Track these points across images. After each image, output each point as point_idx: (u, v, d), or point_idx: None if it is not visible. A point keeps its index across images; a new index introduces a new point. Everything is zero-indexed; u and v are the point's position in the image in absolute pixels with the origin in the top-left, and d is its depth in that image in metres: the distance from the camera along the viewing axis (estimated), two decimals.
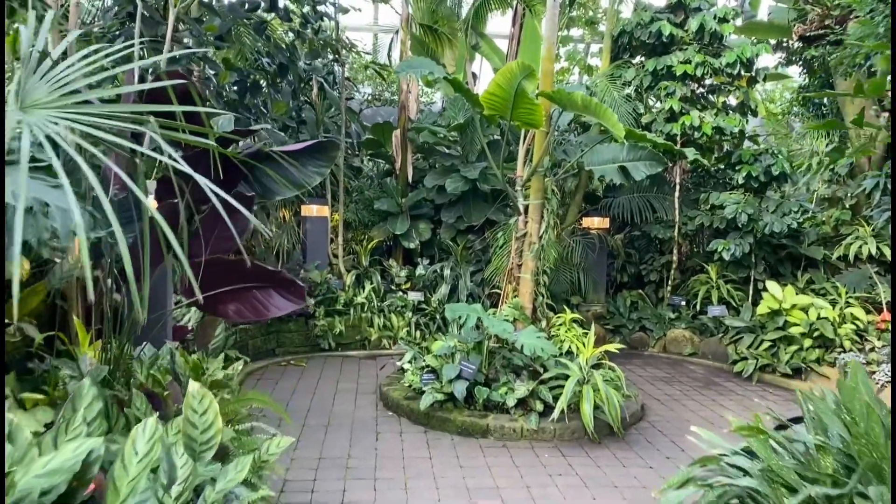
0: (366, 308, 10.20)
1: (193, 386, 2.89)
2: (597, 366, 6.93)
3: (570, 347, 7.45)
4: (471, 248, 10.87)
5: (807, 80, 12.23)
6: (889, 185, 8.95)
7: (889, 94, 7.86)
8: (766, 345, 9.37)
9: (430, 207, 11.24)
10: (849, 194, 10.80)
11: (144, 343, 4.45)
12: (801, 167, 11.11)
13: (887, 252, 9.27)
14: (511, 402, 6.59)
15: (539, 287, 7.97)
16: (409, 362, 7.77)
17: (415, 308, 10.42)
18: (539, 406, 6.62)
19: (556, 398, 6.61)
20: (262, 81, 9.31)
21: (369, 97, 16.95)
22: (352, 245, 11.13)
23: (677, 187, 10.95)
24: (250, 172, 4.34)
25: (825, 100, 12.21)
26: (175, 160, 2.58)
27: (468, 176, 9.98)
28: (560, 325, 7.68)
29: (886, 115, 9.89)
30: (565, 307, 9.94)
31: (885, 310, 9.32)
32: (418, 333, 10.23)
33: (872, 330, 9.15)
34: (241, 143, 4.58)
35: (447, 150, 10.89)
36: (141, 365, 4.02)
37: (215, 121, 5.04)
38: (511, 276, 8.02)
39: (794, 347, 9.16)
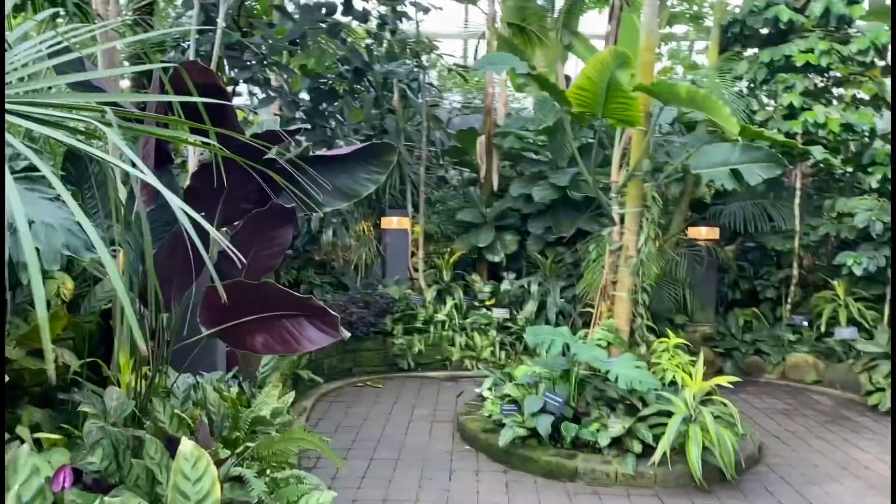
0: (447, 326, 9.54)
1: (186, 446, 2.29)
2: (706, 399, 5.96)
3: (673, 378, 6.49)
4: (560, 261, 10.02)
5: None
6: None
7: None
8: None
9: (516, 218, 10.47)
10: None
11: (178, 374, 3.95)
12: None
13: None
14: (604, 441, 5.73)
15: (637, 307, 7.06)
16: (490, 389, 7.04)
17: (499, 326, 9.68)
18: (637, 447, 5.73)
19: (656, 438, 5.71)
20: (339, 88, 8.88)
21: (459, 105, 16.40)
22: (433, 259, 10.52)
23: (797, 193, 9.69)
24: (292, 181, 3.76)
25: None
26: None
27: (557, 183, 9.16)
28: (662, 351, 6.74)
29: None
30: (668, 329, 8.95)
31: None
32: (503, 354, 9.47)
33: None
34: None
35: (535, 156, 10.12)
36: (165, 402, 3.49)
37: (260, 123, 4.50)
38: (605, 293, 7.15)
39: None
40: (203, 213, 3.59)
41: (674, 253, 9.48)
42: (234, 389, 4.00)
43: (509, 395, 6.36)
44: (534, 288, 9.64)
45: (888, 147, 9.24)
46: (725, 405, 6.12)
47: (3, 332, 2.96)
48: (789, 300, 9.96)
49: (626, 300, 6.90)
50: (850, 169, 10.14)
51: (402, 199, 10.28)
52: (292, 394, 5.00)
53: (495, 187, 10.46)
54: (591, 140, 9.98)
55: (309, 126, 7.75)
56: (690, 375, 6.49)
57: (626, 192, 7.08)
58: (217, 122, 3.62)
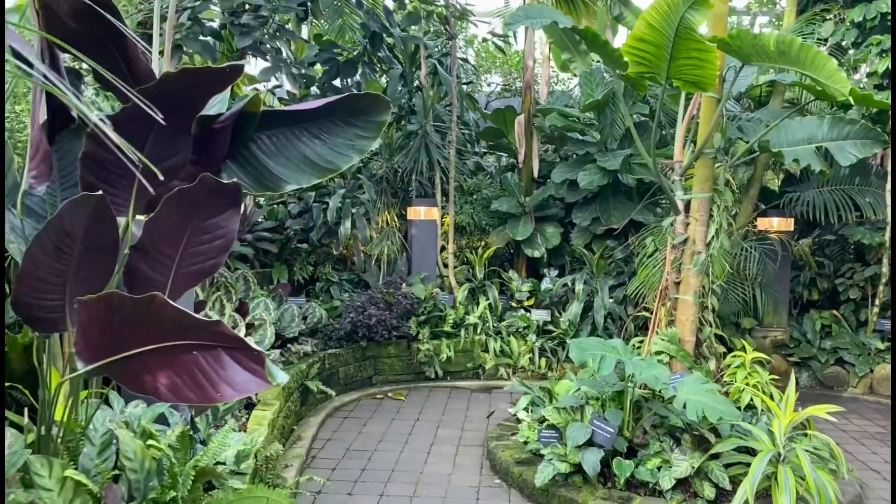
0: (479, 329, 8.45)
1: None
2: (795, 431, 4.75)
3: (751, 401, 5.29)
4: (610, 256, 8.82)
5: None
6: None
7: None
8: None
9: (559, 207, 9.29)
10: None
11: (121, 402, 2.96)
12: None
13: None
14: (667, 482, 4.58)
15: (705, 312, 5.86)
16: (526, 409, 5.94)
17: (539, 330, 8.54)
18: (709, 491, 4.56)
19: (734, 481, 4.54)
20: (359, 61, 7.83)
21: (498, 88, 15.24)
22: (465, 253, 9.42)
23: (889, 177, 8.28)
24: (240, 148, 2.72)
25: None
26: None
27: (607, 167, 7.96)
28: (737, 367, 5.53)
29: None
30: (734, 336, 7.70)
31: None
32: (543, 362, 8.34)
33: None
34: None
35: (581, 137, 8.91)
36: (63, 455, 2.49)
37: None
38: (665, 296, 5.97)
39: None
40: (113, 192, 2.56)
41: (742, 246, 8.19)
42: (179, 428, 2.98)
43: (548, 420, 5.24)
44: (579, 287, 8.46)
45: None
46: (818, 438, 4.91)
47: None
48: (877, 302, 8.57)
49: (692, 304, 5.72)
50: None
51: (430, 186, 9.19)
52: (276, 445, 3.97)
53: (535, 173, 9.28)
54: (646, 118, 8.74)
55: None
56: (771, 397, 5.29)
57: (692, 175, 5.89)
58: (114, 62, 2.59)
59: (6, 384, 3.20)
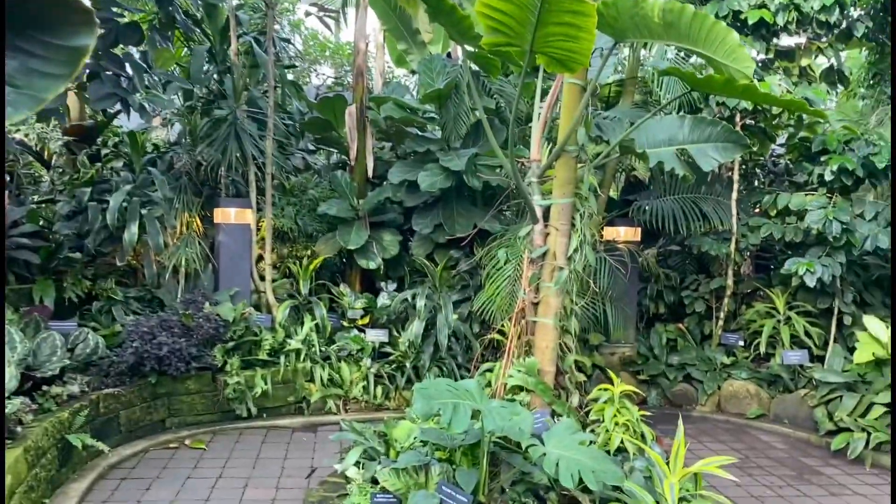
0: (303, 355, 7.15)
1: None
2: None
3: (622, 445, 4.47)
4: (454, 267, 7.86)
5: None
6: None
7: None
8: (878, 411, 6.47)
9: (397, 212, 8.19)
10: None
11: None
12: None
13: None
14: None
15: (566, 337, 5.00)
16: (357, 465, 4.74)
17: (375, 353, 7.39)
18: None
19: None
20: (144, 24, 6.25)
21: (329, 80, 13.93)
22: (288, 264, 8.04)
23: (735, 185, 8.04)
24: None
25: None
26: None
27: (451, 167, 6.98)
28: (605, 402, 4.69)
29: None
30: (582, 356, 7.00)
31: None
32: (379, 390, 7.20)
33: None
34: None
35: (421, 133, 7.88)
36: None
37: None
38: (521, 318, 5.04)
39: None
40: None
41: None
42: None
43: (383, 488, 4.08)
44: (420, 303, 7.40)
45: (842, 131, 7.74)
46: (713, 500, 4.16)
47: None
48: (721, 315, 8.32)
49: (552, 329, 4.83)
50: (789, 158, 8.68)
51: (244, 184, 7.73)
52: None
53: (370, 172, 8.12)
54: (491, 114, 7.87)
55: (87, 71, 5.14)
56: (643, 436, 4.52)
57: (551, 177, 5.02)
58: None
59: None
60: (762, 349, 7.86)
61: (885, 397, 6.43)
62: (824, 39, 7.44)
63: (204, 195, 7.49)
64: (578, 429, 3.95)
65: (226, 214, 7.24)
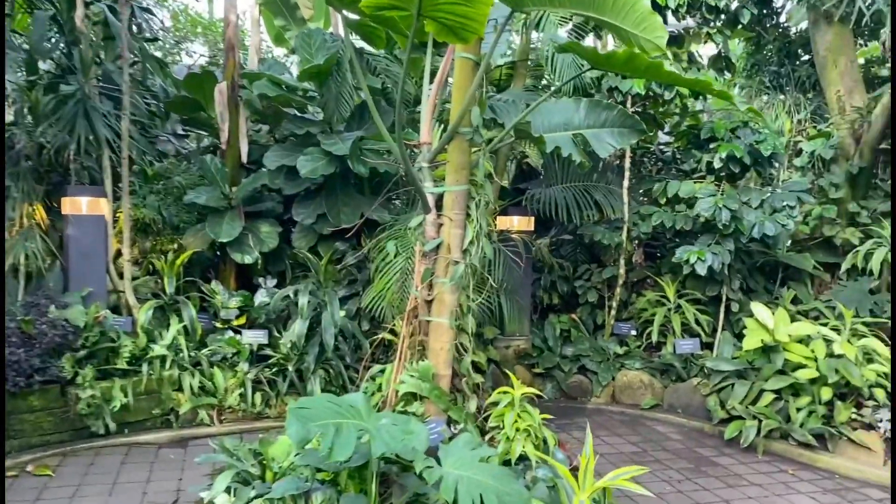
0: (170, 362, 6.37)
1: None
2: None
3: (524, 453, 4.10)
4: (340, 260, 7.29)
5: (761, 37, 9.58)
6: None
7: None
8: (768, 398, 6.51)
9: (276, 201, 7.49)
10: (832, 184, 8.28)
11: None
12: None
13: None
14: None
15: (462, 337, 4.58)
16: (227, 492, 4.12)
17: (254, 356, 6.72)
18: None
19: None
20: None
21: (202, 59, 12.88)
22: (151, 260, 7.18)
23: (627, 174, 7.93)
24: None
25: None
26: None
27: (334, 151, 6.38)
28: (506, 406, 4.31)
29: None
30: (477, 350, 6.65)
31: None
32: (258, 397, 6.55)
33: None
34: None
35: (300, 114, 7.23)
36: None
37: None
38: (413, 317, 4.57)
39: (805, 400, 6.38)
40: None
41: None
42: None
43: None
44: (303, 300, 6.78)
45: (719, 118, 7.77)
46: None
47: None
48: (614, 304, 8.23)
49: (448, 329, 4.39)
50: (676, 146, 8.70)
51: (98, 170, 6.80)
52: None
53: (244, 157, 7.37)
54: (377, 95, 7.32)
55: None
56: (545, 442, 4.18)
57: (444, 162, 4.57)
58: None
59: None
60: (654, 338, 7.82)
61: (774, 384, 6.47)
62: (713, 25, 7.42)
63: (48, 183, 6.51)
64: (478, 442, 3.55)
65: (76, 204, 6.32)
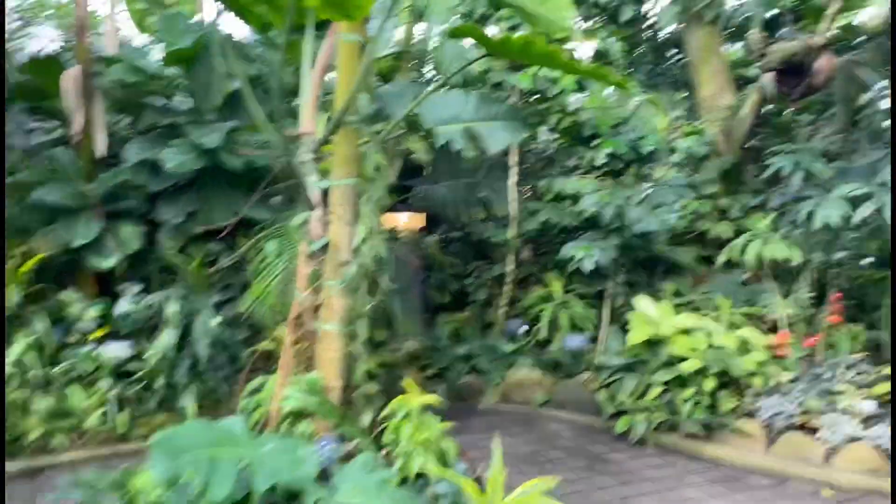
0: (17, 382, 5.59)
1: None
2: None
3: (422, 470, 3.82)
4: (214, 263, 6.70)
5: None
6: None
7: None
8: (655, 391, 6.59)
9: (140, 199, 6.76)
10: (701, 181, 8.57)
11: None
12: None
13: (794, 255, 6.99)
14: None
15: (354, 343, 4.24)
16: None
17: (116, 372, 6.04)
18: None
19: None
20: None
21: (56, 45, 11.64)
22: None
23: (514, 171, 7.84)
24: None
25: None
26: None
27: (204, 143, 5.82)
28: (402, 419, 4.00)
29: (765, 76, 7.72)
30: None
31: (783, 328, 7.09)
32: (123, 417, 5.90)
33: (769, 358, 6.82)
34: None
35: (164, 103, 6.58)
36: None
37: None
38: (298, 325, 4.17)
39: (690, 392, 6.50)
40: None
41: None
42: None
43: None
44: (172, 308, 6.16)
45: (607, 117, 7.86)
46: None
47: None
48: (503, 302, 8.12)
49: (339, 336, 4.03)
50: (561, 142, 8.73)
51: None
52: None
53: (101, 150, 6.59)
54: (253, 84, 6.78)
55: None
56: (445, 461, 3.93)
57: (330, 154, 4.21)
58: None
59: None
60: (543, 334, 7.78)
61: (661, 377, 6.54)
62: (596, 21, 7.47)
63: None
64: (376, 463, 3.22)
65: None
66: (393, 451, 3.94)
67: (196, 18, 7.33)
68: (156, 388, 6.08)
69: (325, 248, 4.04)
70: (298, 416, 3.87)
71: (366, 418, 4.10)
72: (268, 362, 5.86)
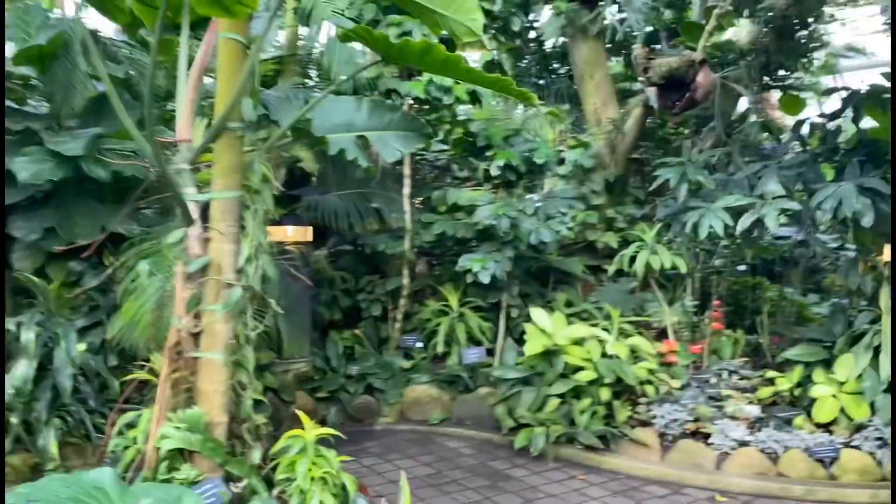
0: None
1: None
2: None
3: None
4: (77, 283, 6.02)
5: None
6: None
7: None
8: (553, 403, 6.56)
9: None
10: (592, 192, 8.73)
11: None
12: None
13: (680, 265, 7.19)
14: None
15: (241, 373, 3.86)
16: None
17: None
18: None
19: None
20: None
21: None
22: None
23: (407, 181, 7.62)
24: None
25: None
26: None
27: (64, 151, 5.19)
28: (298, 452, 3.66)
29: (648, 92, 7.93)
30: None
31: (671, 335, 7.29)
32: None
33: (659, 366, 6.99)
34: None
35: (17, 106, 5.86)
36: None
37: None
38: (176, 354, 3.74)
39: (586, 402, 6.51)
40: None
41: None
42: None
43: None
44: (28, 334, 5.43)
45: (497, 129, 7.79)
46: None
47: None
48: (398, 317, 7.87)
49: (223, 366, 3.64)
50: (453, 153, 8.60)
51: None
52: None
53: None
54: (119, 88, 6.18)
55: None
56: (344, 488, 3.63)
57: (208, 164, 3.82)
58: None
59: None
60: (440, 349, 7.59)
61: (558, 388, 6.52)
62: (489, 31, 7.40)
63: None
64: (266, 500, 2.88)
65: None
66: (287, 490, 3.60)
67: (56, 13, 6.63)
68: (10, 426, 5.35)
69: (205, 268, 3.64)
70: (178, 457, 3.44)
71: (255, 454, 3.73)
72: (142, 392, 5.31)
